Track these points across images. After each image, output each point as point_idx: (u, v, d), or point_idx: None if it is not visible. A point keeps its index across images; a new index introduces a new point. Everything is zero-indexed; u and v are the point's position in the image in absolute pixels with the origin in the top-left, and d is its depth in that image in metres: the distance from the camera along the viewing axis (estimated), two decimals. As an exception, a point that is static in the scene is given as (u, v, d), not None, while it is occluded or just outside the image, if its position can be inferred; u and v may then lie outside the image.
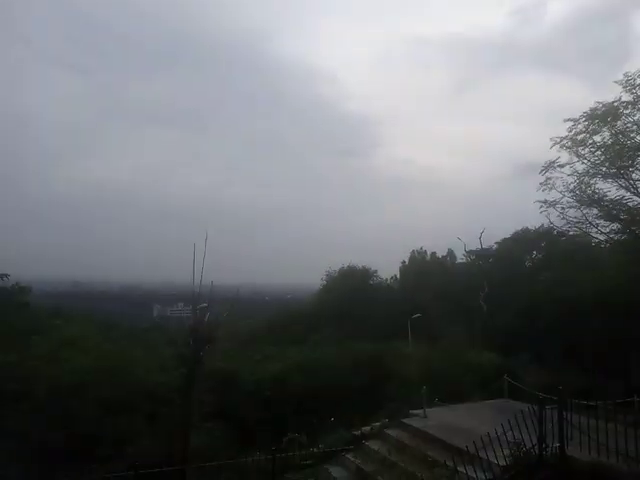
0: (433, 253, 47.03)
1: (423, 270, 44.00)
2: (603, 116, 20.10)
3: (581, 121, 20.81)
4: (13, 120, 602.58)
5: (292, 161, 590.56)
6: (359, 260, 42.44)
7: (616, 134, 20.26)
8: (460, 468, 8.54)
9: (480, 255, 38.15)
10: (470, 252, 37.02)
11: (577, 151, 21.25)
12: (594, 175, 21.24)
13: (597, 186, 21.38)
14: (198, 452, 13.89)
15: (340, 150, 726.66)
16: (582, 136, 20.90)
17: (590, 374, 21.24)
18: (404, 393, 17.02)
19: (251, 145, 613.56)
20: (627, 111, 19.85)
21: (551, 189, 22.33)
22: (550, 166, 22.05)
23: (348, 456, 12.06)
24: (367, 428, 13.55)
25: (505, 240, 38.51)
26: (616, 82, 19.94)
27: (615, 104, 19.90)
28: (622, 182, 20.57)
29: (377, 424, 13.34)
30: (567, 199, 22.13)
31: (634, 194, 20.48)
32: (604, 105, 20.18)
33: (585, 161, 21.29)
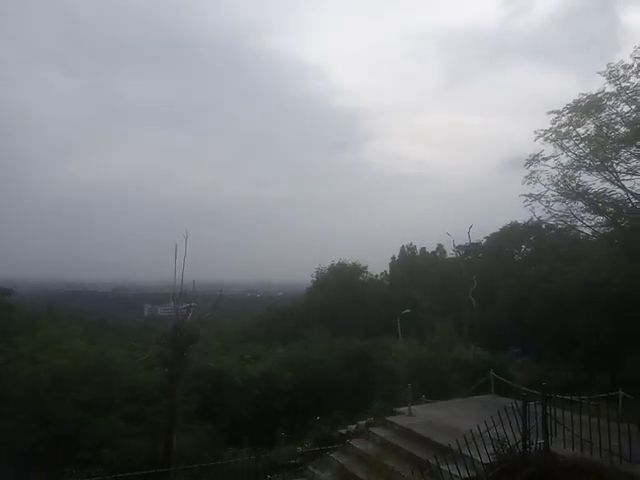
0: (423, 248, 47.10)
1: (413, 265, 44.07)
2: (587, 108, 19.80)
3: (565, 113, 20.52)
4: (2, 120, 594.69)
5: (283, 158, 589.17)
6: (350, 256, 42.42)
7: (600, 126, 19.96)
8: (443, 466, 8.41)
9: (469, 250, 38.15)
10: (459, 247, 36.98)
11: (561, 144, 21.02)
12: (578, 168, 21.01)
13: (581, 179, 21.20)
14: (183, 453, 13.74)
15: (331, 144, 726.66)
16: (566, 128, 20.66)
17: (578, 367, 21.36)
18: (392, 390, 16.96)
19: (242, 142, 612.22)
20: (611, 102, 19.49)
21: (536, 182, 22.07)
22: (534, 159, 21.80)
23: (333, 455, 11.91)
24: (353, 426, 13.43)
25: (494, 235, 38.62)
26: (600, 73, 19.57)
27: (599, 96, 19.56)
28: (606, 174, 20.32)
29: (362, 422, 13.21)
30: (552, 192, 21.91)
31: (618, 186, 20.28)
32: (588, 97, 19.84)
33: (569, 154, 21.06)
